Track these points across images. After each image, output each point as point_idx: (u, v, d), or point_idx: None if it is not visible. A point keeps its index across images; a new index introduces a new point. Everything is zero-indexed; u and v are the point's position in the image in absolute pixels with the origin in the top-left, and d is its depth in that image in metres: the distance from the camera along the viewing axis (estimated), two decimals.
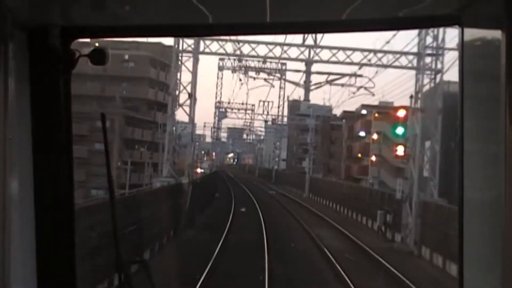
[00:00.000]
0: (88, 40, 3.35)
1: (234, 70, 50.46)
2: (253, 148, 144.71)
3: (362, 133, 73.91)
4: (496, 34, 2.14)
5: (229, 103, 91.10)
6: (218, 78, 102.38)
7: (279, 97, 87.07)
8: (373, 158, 65.32)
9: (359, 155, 74.55)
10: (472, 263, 2.38)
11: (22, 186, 2.60)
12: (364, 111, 73.88)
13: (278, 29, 3.02)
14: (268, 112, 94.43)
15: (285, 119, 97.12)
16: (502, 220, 2.07)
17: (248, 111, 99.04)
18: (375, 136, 65.15)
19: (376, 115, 66.07)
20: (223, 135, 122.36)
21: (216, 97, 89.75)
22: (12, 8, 2.42)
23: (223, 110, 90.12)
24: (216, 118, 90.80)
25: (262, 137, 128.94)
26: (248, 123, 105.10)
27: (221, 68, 59.34)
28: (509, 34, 2.07)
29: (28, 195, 2.64)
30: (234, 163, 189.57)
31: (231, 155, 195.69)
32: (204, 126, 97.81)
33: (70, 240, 2.77)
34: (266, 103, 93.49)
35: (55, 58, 2.66)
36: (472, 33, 2.39)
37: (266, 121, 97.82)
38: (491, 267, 2.18)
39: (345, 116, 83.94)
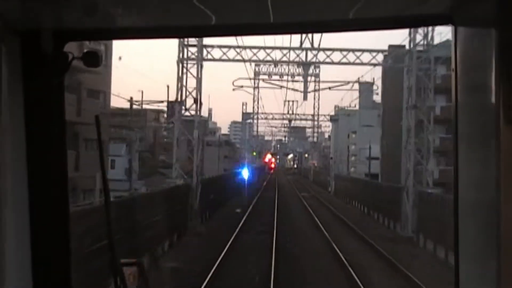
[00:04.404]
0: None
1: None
2: (317, 147, 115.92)
3: None
4: (489, 33, 2.24)
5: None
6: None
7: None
8: None
9: None
10: (467, 258, 2.50)
11: (16, 189, 2.68)
12: None
13: (281, 29, 3.15)
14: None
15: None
16: (496, 217, 2.21)
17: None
18: None
19: None
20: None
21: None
22: (4, 12, 2.52)
23: None
24: None
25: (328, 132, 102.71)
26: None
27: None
28: (502, 33, 2.18)
29: (23, 198, 2.71)
30: (295, 166, 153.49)
31: (290, 156, 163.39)
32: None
33: (66, 243, 2.84)
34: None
35: (48, 61, 2.71)
36: (465, 32, 2.47)
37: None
38: (486, 262, 2.31)
39: None
